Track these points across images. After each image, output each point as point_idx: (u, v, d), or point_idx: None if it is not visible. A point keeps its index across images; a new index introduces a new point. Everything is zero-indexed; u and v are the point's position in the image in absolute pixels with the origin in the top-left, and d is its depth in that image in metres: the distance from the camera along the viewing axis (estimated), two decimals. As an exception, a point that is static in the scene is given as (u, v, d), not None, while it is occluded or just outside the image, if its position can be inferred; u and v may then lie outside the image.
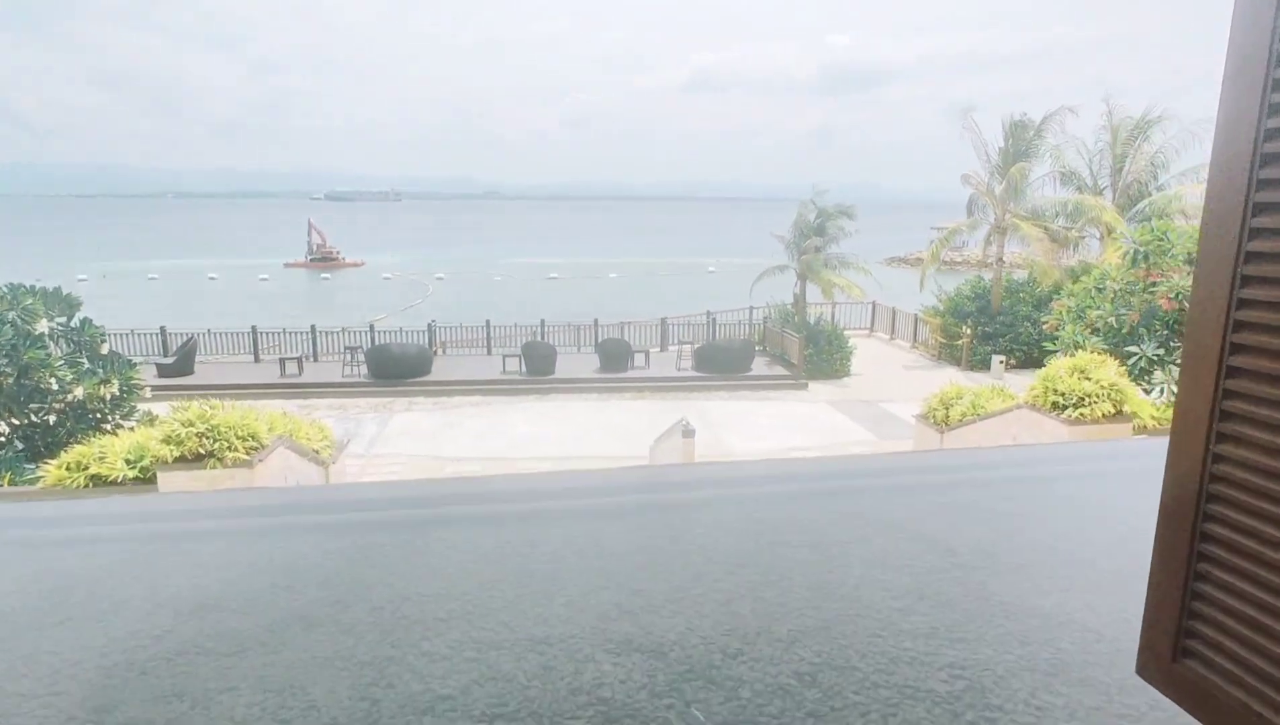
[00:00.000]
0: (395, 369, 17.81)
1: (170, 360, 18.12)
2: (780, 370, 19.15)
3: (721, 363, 18.65)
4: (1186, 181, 21.25)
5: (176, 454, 7.33)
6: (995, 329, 20.78)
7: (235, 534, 3.16)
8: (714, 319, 22.61)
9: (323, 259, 72.58)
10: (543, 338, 21.09)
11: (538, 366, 18.19)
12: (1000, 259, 21.39)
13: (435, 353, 20.26)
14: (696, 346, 19.61)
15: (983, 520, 3.22)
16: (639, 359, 19.26)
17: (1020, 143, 20.78)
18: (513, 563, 2.78)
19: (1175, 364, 11.71)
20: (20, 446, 9.28)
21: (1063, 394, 9.99)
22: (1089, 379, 9.98)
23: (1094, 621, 2.23)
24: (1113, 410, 9.79)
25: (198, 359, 19.08)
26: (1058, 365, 10.46)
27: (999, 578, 2.57)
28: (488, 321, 21.71)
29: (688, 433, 9.08)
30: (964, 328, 20.78)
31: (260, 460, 7.61)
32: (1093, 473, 4.18)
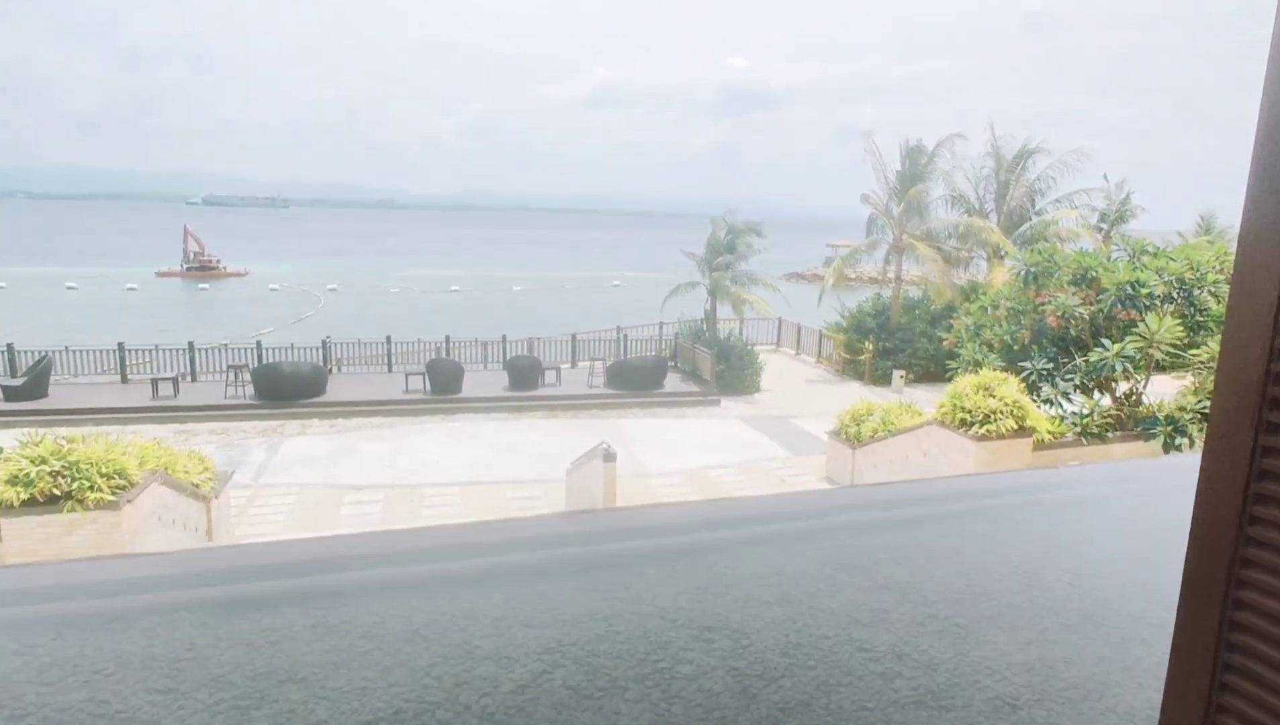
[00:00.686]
0: (286, 389, 16.54)
1: (19, 382, 16.11)
2: (693, 387, 19.11)
3: (634, 380, 18.41)
4: (1061, 207, 22.88)
5: (25, 497, 6.31)
6: (895, 344, 21.56)
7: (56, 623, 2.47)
8: (625, 335, 22.39)
9: (201, 268, 67.61)
10: (448, 354, 20.22)
11: (443, 385, 17.35)
12: (899, 277, 22.28)
13: (330, 371, 19.01)
14: (608, 363, 19.30)
15: (950, 562, 3.06)
16: (550, 376, 18.75)
17: (915, 166, 21.76)
18: (453, 637, 2.35)
19: (1064, 378, 12.37)
20: None
21: (969, 411, 10.30)
22: (993, 396, 10.33)
23: (1089, 681, 2.11)
24: (1015, 426, 10.18)
25: (53, 380, 17.08)
26: (964, 383, 10.79)
27: (977, 631, 2.42)
28: (388, 337, 20.61)
29: (609, 457, 8.71)
30: (866, 343, 21.45)
31: (129, 501, 6.67)
32: (1058, 502, 4.14)
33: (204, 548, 6.76)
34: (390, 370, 20.04)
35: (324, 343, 19.76)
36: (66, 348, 18.61)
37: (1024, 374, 12.10)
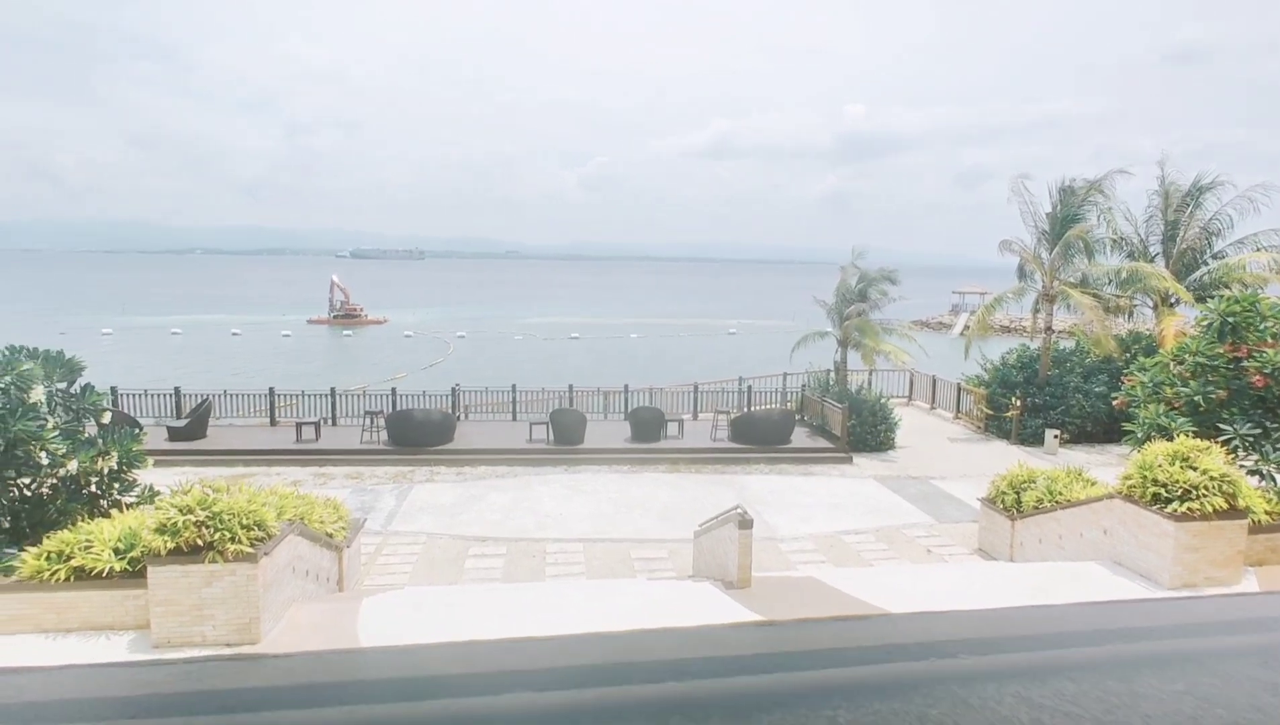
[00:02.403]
0: (417, 435, 16.93)
1: (182, 423, 17.37)
2: (823, 442, 18.05)
3: (760, 434, 17.61)
4: (1245, 249, 20.32)
5: (171, 545, 6.41)
6: (1045, 400, 19.63)
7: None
8: (749, 387, 21.66)
9: (345, 316, 73.05)
10: (570, 403, 20.21)
11: (566, 435, 17.24)
12: (1049, 326, 20.40)
13: (458, 418, 19.40)
14: (732, 416, 18.61)
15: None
16: (672, 428, 18.27)
17: (1069, 207, 20.03)
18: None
19: (1275, 446, 10.59)
20: (6, 524, 8.42)
21: (1164, 485, 8.87)
22: (1194, 468, 8.87)
23: None
24: (1224, 504, 8.65)
25: (212, 422, 18.34)
26: (1154, 451, 9.35)
27: None
28: (514, 386, 20.89)
29: (744, 523, 8.03)
30: (1013, 399, 19.66)
31: (266, 553, 6.66)
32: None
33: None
34: (515, 418, 20.23)
35: (453, 390, 20.25)
36: (225, 392, 20.00)
37: (1223, 439, 10.45)
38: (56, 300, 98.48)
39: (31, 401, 7.88)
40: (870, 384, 21.65)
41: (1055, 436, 18.68)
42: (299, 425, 17.58)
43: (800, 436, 18.39)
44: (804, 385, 21.37)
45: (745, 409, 20.38)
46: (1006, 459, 16.52)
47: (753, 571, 8.30)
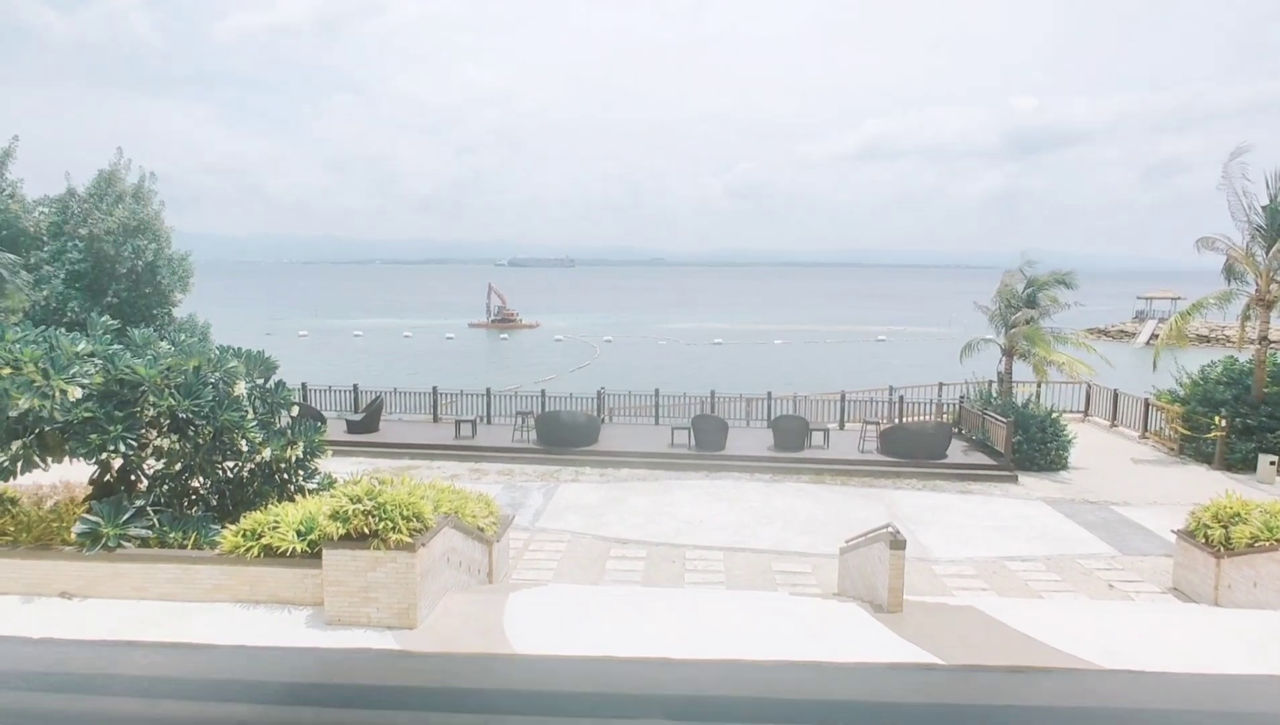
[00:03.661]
0: (564, 436, 17.51)
1: (359, 417, 19.01)
2: (983, 458, 16.78)
3: (912, 447, 16.65)
4: None
5: (342, 531, 6.97)
6: (1260, 421, 17.12)
7: None
8: (900, 396, 20.57)
9: (502, 320, 77.42)
10: (712, 410, 20.13)
11: (707, 441, 17.16)
12: (1264, 337, 17.79)
13: (603, 421, 19.87)
14: (882, 427, 17.73)
15: None
16: (816, 437, 17.70)
17: (1291, 199, 17.38)
18: None
19: None
20: (214, 502, 9.55)
21: None
22: None
23: None
24: None
25: (383, 417, 19.93)
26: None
27: None
28: (656, 391, 21.11)
29: (896, 543, 7.56)
30: (1217, 418, 17.31)
31: (423, 544, 7.09)
32: None
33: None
34: (657, 422, 20.43)
35: (598, 393, 20.77)
36: (395, 389, 21.70)
37: None
38: (265, 306, 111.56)
39: (235, 395, 8.88)
40: (1039, 397, 19.89)
41: (1272, 463, 16.25)
42: (458, 423, 18.73)
43: (957, 451, 17.21)
44: (962, 397, 20.00)
45: (896, 420, 19.36)
46: (1208, 486, 14.59)
47: (905, 595, 7.81)
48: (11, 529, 7.97)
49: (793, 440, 17.30)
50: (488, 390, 21.26)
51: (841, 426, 20.24)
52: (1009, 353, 18.50)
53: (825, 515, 13.63)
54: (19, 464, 8.01)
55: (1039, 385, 20.17)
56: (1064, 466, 17.04)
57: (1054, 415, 17.52)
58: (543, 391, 21.15)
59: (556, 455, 17.19)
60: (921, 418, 19.81)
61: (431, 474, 15.59)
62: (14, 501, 8.65)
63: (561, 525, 13.02)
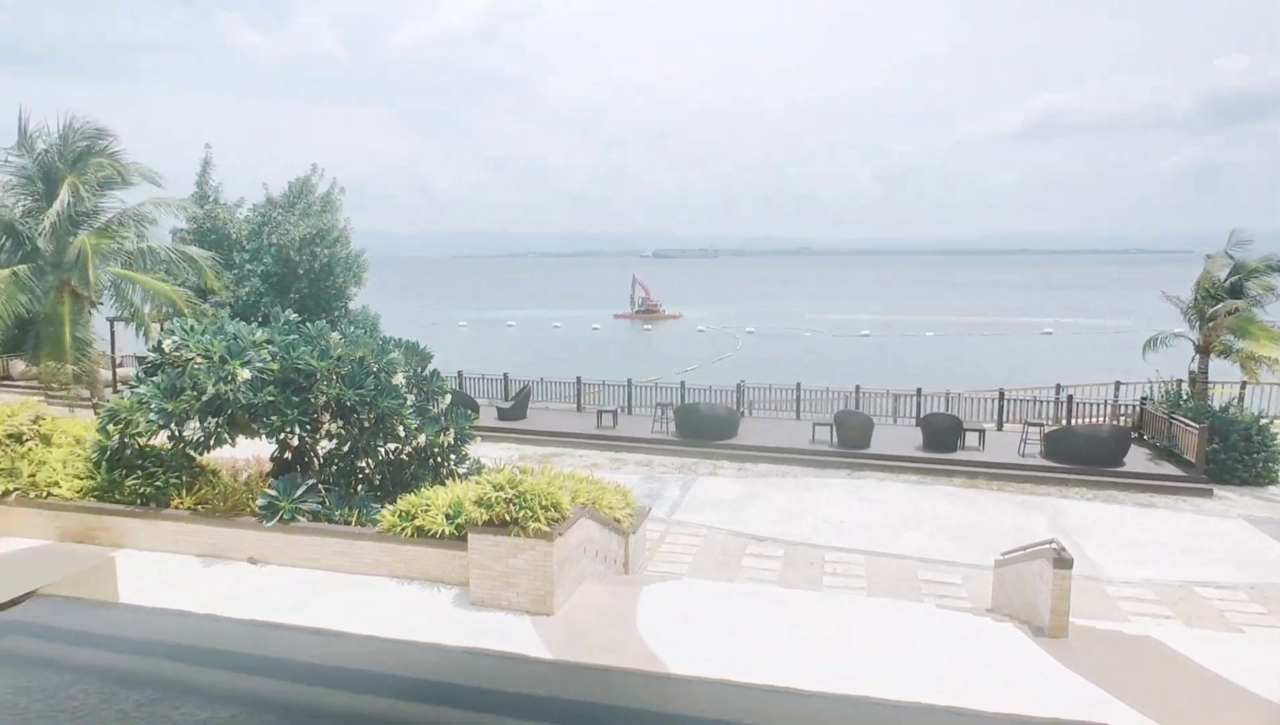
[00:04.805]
0: (702, 429, 17.48)
1: (508, 405, 19.95)
2: (1169, 468, 14.98)
3: (1082, 453, 15.15)
4: None
5: (485, 517, 7.32)
6: None
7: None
8: (1069, 396, 18.77)
9: (646, 311, 78.64)
10: (857, 406, 19.34)
11: (851, 439, 16.51)
12: None
13: (742, 414, 19.65)
14: (1047, 429, 16.27)
15: None
16: (971, 438, 16.54)
17: None
18: None
19: None
20: (377, 481, 10.36)
21: None
22: None
23: None
24: None
25: (531, 405, 20.80)
26: None
27: None
28: (798, 384, 20.58)
29: (1061, 561, 6.87)
30: None
31: (560, 533, 7.30)
32: None
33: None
34: (798, 417, 19.92)
35: (738, 387, 20.54)
36: (541, 379, 22.59)
37: None
38: (430, 298, 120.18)
39: (395, 383, 9.56)
40: (1242, 399, 17.46)
41: None
42: (599, 412, 19.20)
43: (1137, 459, 15.46)
44: (1144, 398, 17.92)
45: (1063, 422, 17.69)
46: None
47: (1070, 618, 7.10)
48: (211, 497, 9.04)
49: (944, 440, 16.27)
50: (629, 381, 21.62)
51: (999, 427, 18.79)
52: (1205, 349, 16.35)
53: (978, 523, 12.71)
54: (211, 439, 9.08)
55: (1243, 386, 17.69)
56: (1273, 480, 14.87)
57: (1263, 421, 15.31)
58: (682, 383, 21.23)
59: (695, 448, 17.20)
60: (1094, 420, 17.98)
61: (573, 462, 16.09)
62: (215, 473, 9.82)
63: (698, 519, 13.01)
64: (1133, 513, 13.31)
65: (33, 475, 9.46)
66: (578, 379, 22.15)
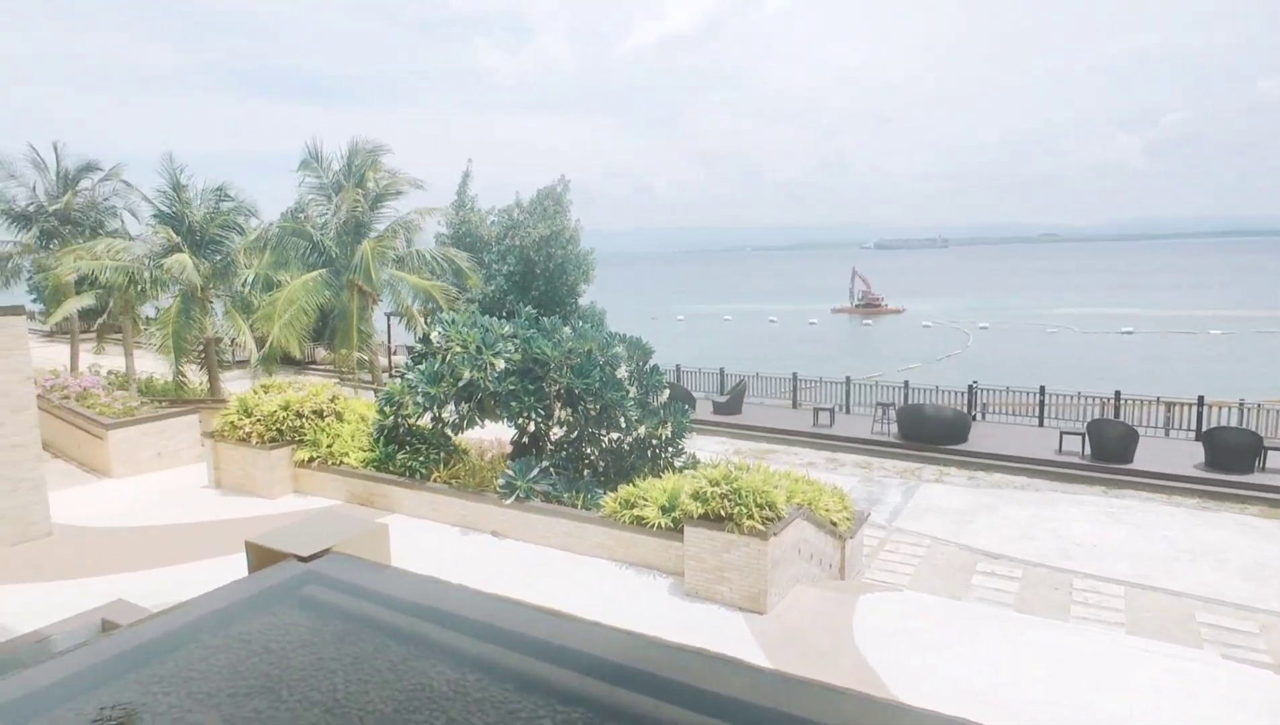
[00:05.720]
0: (927, 432, 16.36)
1: (724, 399, 20.13)
2: None
3: None
4: None
5: (701, 511, 7.44)
6: None
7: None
8: None
9: (866, 305, 75.28)
10: (1116, 414, 16.96)
11: (1107, 451, 14.52)
12: None
13: (974, 418, 18.10)
14: (1386, 452, 13.11)
15: None
16: (1273, 459, 13.80)
17: None
18: None
19: None
20: (601, 468, 10.98)
21: None
22: None
23: None
24: None
25: (746, 400, 20.82)
26: None
27: None
28: (1041, 387, 18.50)
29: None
30: None
31: (774, 533, 7.23)
32: None
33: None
34: (1041, 424, 17.93)
35: (970, 387, 18.95)
36: (757, 374, 22.50)
37: None
38: (651, 293, 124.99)
39: (619, 376, 10.06)
40: None
41: None
42: (816, 410, 18.70)
43: None
44: None
45: None
46: None
47: None
48: (462, 473, 10.14)
49: (1235, 460, 13.73)
50: (847, 378, 20.82)
51: (1315, 447, 15.46)
52: None
53: (1282, 561, 10.58)
54: (465, 421, 10.17)
55: None
56: None
57: None
58: (905, 382, 20.01)
59: (918, 452, 16.15)
60: None
61: (788, 460, 15.85)
62: (465, 452, 11.01)
63: (921, 528, 12.21)
64: None
65: (330, 446, 11.24)
66: (794, 375, 21.76)
